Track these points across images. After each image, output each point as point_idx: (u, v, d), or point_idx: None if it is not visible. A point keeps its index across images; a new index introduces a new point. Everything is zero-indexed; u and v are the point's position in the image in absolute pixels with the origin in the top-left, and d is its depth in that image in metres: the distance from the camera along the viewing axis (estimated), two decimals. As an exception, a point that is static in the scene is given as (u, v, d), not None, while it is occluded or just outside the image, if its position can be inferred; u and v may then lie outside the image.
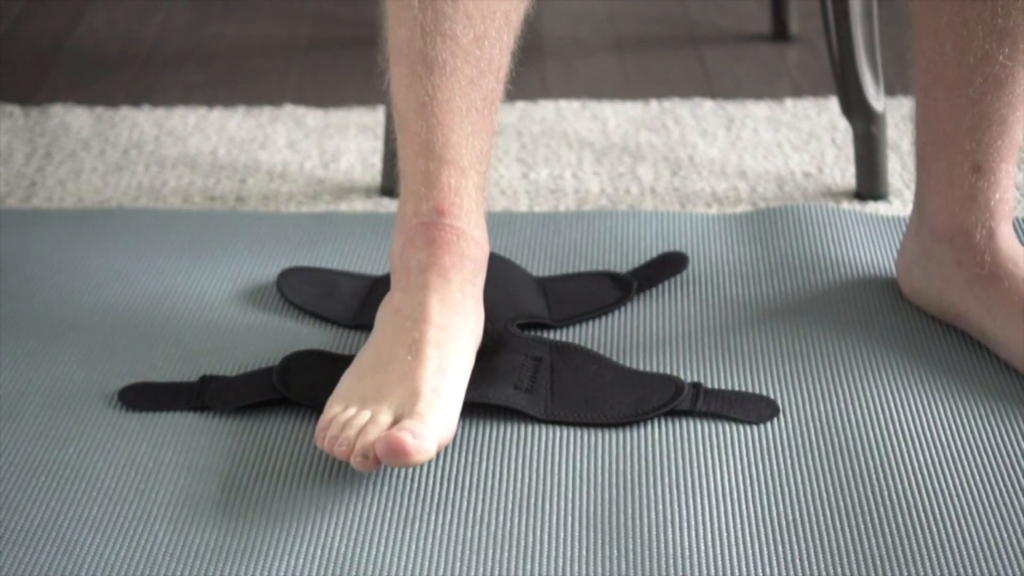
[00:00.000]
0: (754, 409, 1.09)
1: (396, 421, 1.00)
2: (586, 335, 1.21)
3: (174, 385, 1.14)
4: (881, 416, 1.08)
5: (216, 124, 1.70)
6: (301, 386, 1.11)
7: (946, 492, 1.00)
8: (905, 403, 1.10)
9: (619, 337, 1.20)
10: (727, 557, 0.94)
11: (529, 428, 1.08)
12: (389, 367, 1.05)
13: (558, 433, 1.07)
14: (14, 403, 1.12)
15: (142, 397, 1.13)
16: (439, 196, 1.09)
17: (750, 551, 0.95)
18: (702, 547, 0.95)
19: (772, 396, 1.11)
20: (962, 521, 0.97)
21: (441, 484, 1.02)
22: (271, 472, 1.03)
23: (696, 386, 1.11)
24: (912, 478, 1.01)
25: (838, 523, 0.97)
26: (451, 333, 1.07)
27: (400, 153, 1.11)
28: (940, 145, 1.17)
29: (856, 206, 1.48)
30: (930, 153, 1.19)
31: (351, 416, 1.02)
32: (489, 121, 1.11)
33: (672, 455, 1.05)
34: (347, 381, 1.06)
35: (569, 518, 0.98)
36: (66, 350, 1.19)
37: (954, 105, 1.15)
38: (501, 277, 1.23)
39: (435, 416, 1.01)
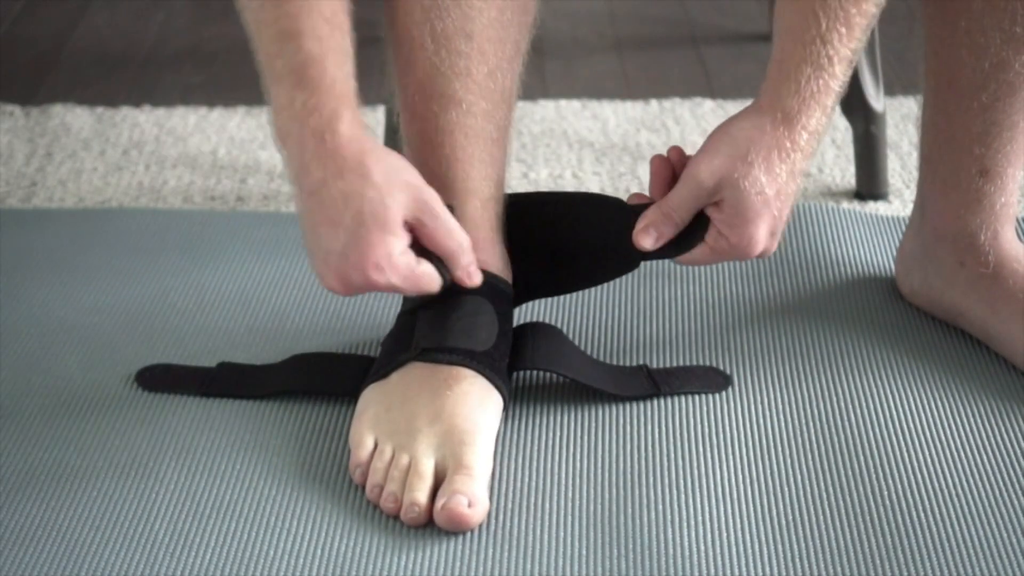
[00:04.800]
0: (710, 381, 1.13)
1: (439, 467, 1.00)
2: (585, 335, 1.21)
3: (191, 369, 1.15)
4: (881, 416, 1.08)
5: (216, 124, 1.70)
6: (310, 380, 1.12)
7: (946, 492, 1.00)
8: (905, 403, 1.10)
9: (619, 337, 1.20)
10: (727, 557, 0.94)
11: (529, 428, 1.08)
12: (419, 399, 1.04)
13: (558, 433, 1.07)
14: (14, 403, 1.12)
15: (158, 379, 1.14)
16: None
17: (750, 551, 0.95)
18: (702, 547, 0.95)
19: (772, 396, 1.11)
20: (962, 521, 0.97)
21: (441, 484, 1.02)
22: (271, 472, 1.03)
23: (643, 368, 1.14)
24: (912, 478, 1.01)
25: (838, 523, 0.97)
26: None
27: None
28: (947, 148, 1.17)
29: (856, 206, 1.48)
30: (936, 155, 1.19)
31: (388, 459, 1.01)
32: (503, 149, 1.11)
33: (672, 455, 1.05)
34: (373, 408, 1.05)
35: (569, 518, 0.98)
36: (66, 350, 1.19)
37: (965, 109, 1.14)
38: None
39: (480, 463, 1.00)
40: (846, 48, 1.02)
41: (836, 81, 1.03)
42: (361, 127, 0.99)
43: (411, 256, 1.00)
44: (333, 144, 0.97)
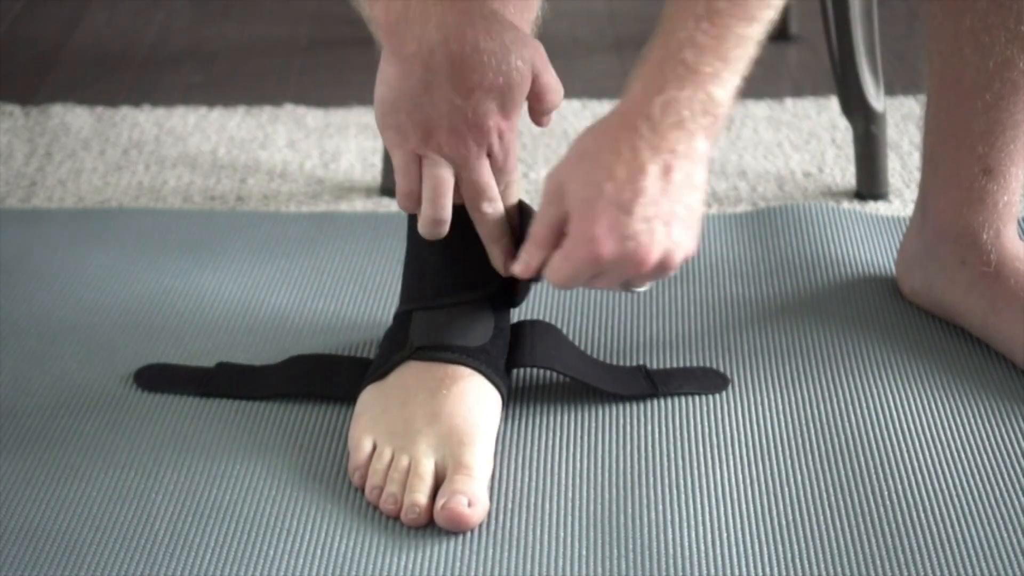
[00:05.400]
0: (709, 382, 1.13)
1: (438, 467, 1.00)
2: (585, 335, 1.21)
3: (189, 369, 1.14)
4: (881, 416, 1.08)
5: (216, 124, 1.70)
6: (308, 382, 1.12)
7: (946, 492, 1.00)
8: (905, 402, 1.10)
9: (618, 337, 1.20)
10: (727, 557, 0.94)
11: (529, 428, 1.08)
12: (417, 399, 1.04)
13: (558, 433, 1.07)
14: (14, 403, 1.12)
15: (157, 379, 1.14)
16: None
17: (750, 551, 0.95)
18: (702, 547, 0.95)
19: (772, 396, 1.11)
20: (962, 521, 0.97)
21: (441, 484, 1.02)
22: (271, 472, 1.03)
23: (641, 368, 1.13)
24: (912, 478, 1.01)
25: (838, 523, 0.97)
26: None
27: None
28: (950, 147, 1.17)
29: (856, 206, 1.48)
30: (939, 154, 1.19)
31: (388, 461, 1.01)
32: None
33: (672, 455, 1.05)
34: (370, 409, 1.05)
35: (569, 518, 0.98)
36: (66, 350, 1.19)
37: (969, 108, 1.14)
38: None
39: (479, 462, 1.00)
40: (714, 42, 0.91)
41: (695, 77, 0.91)
42: None
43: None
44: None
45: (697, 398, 1.11)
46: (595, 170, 0.92)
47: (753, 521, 0.98)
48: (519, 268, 0.99)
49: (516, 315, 1.17)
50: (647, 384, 1.12)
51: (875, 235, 1.37)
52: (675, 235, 0.93)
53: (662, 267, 0.94)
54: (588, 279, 0.95)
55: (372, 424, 1.03)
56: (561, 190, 0.95)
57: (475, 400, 1.03)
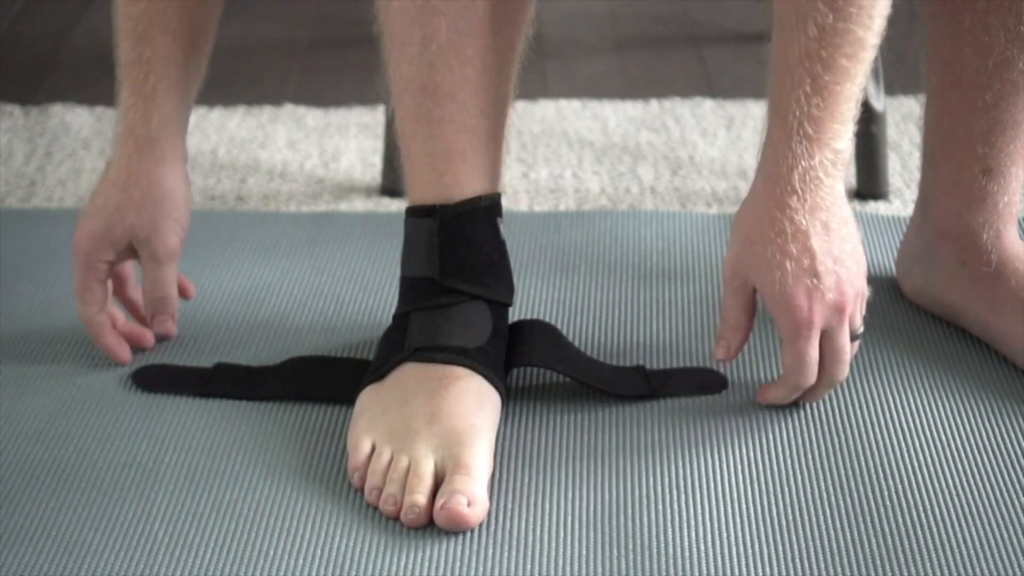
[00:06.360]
0: (707, 383, 1.13)
1: (438, 468, 1.00)
2: (584, 335, 1.21)
3: (187, 369, 1.14)
4: (881, 415, 1.08)
5: (216, 124, 1.70)
6: (307, 385, 1.12)
7: (946, 492, 1.00)
8: (905, 402, 1.10)
9: (618, 337, 1.20)
10: (727, 557, 0.94)
11: (529, 428, 1.08)
12: (416, 400, 1.03)
13: (558, 433, 1.07)
14: (14, 403, 1.12)
15: (155, 379, 1.14)
16: None
17: (750, 551, 0.95)
18: (702, 547, 0.95)
19: (772, 396, 1.11)
20: (962, 521, 0.97)
21: (441, 484, 1.02)
22: (271, 472, 1.03)
23: (640, 369, 1.13)
24: (912, 478, 1.01)
25: (838, 523, 0.97)
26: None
27: (409, 182, 1.11)
28: (951, 147, 1.17)
29: (856, 206, 1.48)
30: (939, 154, 1.19)
31: (387, 462, 1.01)
32: (499, 146, 1.10)
33: (672, 455, 1.05)
34: (369, 410, 1.05)
35: (569, 518, 0.98)
36: (66, 350, 1.19)
37: (969, 109, 1.14)
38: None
39: (479, 462, 1.00)
40: (827, 112, 1.00)
41: (819, 143, 1.01)
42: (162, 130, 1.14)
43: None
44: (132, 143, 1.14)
45: (697, 398, 1.11)
46: (770, 253, 1.01)
47: (753, 521, 0.98)
48: (721, 352, 1.07)
49: (515, 315, 1.17)
50: (645, 386, 1.12)
51: (875, 235, 1.37)
52: (852, 270, 1.03)
53: (857, 298, 1.04)
54: (813, 353, 1.03)
55: (371, 425, 1.03)
56: (741, 278, 1.04)
57: (474, 400, 1.03)
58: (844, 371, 1.05)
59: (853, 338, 1.05)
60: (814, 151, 1.01)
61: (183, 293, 1.20)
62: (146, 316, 1.17)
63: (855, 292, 1.03)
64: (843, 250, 1.02)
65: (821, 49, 0.99)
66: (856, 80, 1.00)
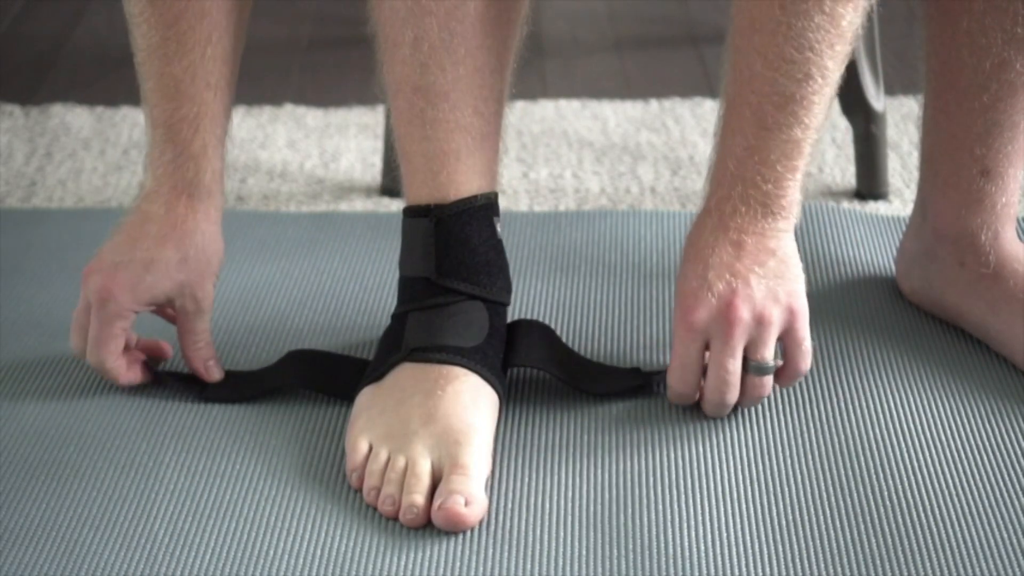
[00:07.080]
0: None
1: (435, 468, 1.00)
2: (584, 335, 1.21)
3: (185, 374, 1.15)
4: (881, 416, 1.08)
5: (216, 124, 1.70)
6: (309, 376, 1.12)
7: (946, 492, 1.00)
8: (905, 402, 1.10)
9: (617, 337, 1.20)
10: (727, 557, 0.94)
11: (528, 427, 1.08)
12: (413, 400, 1.03)
13: (558, 433, 1.07)
14: (14, 403, 1.12)
15: (154, 380, 1.14)
16: None
17: (750, 551, 0.95)
18: (702, 547, 0.95)
19: (772, 396, 1.11)
20: (962, 521, 0.97)
21: (441, 484, 1.02)
22: (271, 472, 1.03)
23: (638, 371, 1.13)
24: (912, 478, 1.01)
25: (838, 523, 0.97)
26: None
27: (405, 182, 1.11)
28: (949, 148, 1.17)
29: (856, 205, 1.48)
30: (937, 155, 1.19)
31: (385, 462, 1.01)
32: (494, 146, 1.10)
33: (672, 455, 1.05)
34: (366, 411, 1.05)
35: (569, 518, 0.98)
36: (66, 350, 1.19)
37: (967, 110, 1.14)
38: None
39: (476, 462, 1.00)
40: (757, 155, 1.03)
41: (742, 180, 1.03)
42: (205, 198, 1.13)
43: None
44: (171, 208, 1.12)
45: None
46: (699, 267, 1.04)
47: (753, 521, 0.98)
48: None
49: (515, 315, 1.17)
50: (642, 377, 1.11)
51: (875, 235, 1.37)
52: (758, 292, 1.02)
53: (760, 322, 1.02)
54: (700, 353, 1.04)
55: (368, 425, 1.03)
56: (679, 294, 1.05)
57: (471, 400, 1.04)
58: (730, 394, 1.05)
59: (760, 371, 1.04)
60: (736, 184, 1.03)
61: (161, 353, 1.18)
62: (197, 367, 1.14)
63: (755, 316, 1.02)
64: (752, 271, 1.02)
65: (751, 94, 1.02)
66: (792, 132, 1.03)
